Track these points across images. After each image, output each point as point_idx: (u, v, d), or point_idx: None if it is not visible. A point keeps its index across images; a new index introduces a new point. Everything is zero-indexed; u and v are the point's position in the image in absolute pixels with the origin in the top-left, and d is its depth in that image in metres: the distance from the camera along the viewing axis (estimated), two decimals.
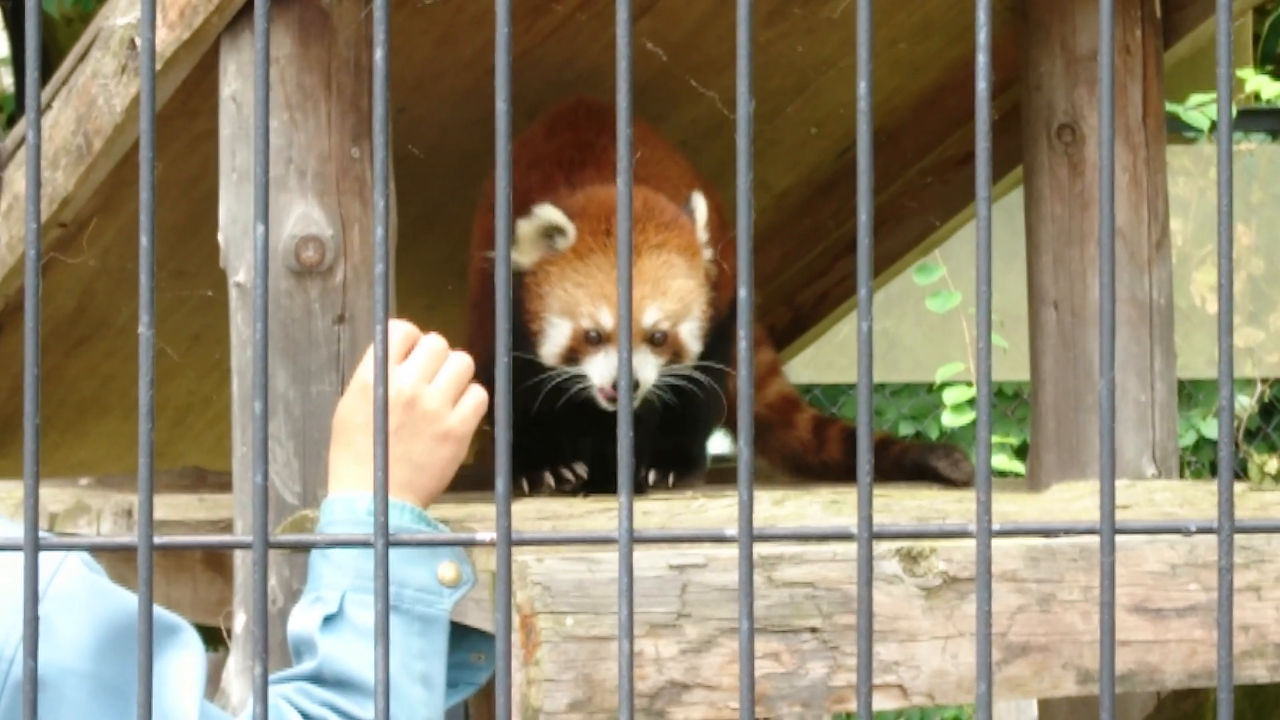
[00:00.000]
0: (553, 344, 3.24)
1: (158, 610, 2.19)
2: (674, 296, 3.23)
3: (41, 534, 1.51)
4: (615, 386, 3.14)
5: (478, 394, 2.62)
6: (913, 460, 3.71)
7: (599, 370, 3.18)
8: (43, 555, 1.49)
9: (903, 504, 3.07)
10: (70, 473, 4.30)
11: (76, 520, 3.68)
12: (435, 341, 2.62)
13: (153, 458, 1.49)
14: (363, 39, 3.16)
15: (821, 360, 7.75)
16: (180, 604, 3.62)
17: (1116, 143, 3.59)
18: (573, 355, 3.21)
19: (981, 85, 1.46)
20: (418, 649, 2.46)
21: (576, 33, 3.64)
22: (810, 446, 3.95)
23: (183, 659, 2.20)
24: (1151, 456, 3.57)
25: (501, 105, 1.48)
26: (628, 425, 1.45)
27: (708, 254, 3.30)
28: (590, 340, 3.19)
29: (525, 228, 3.27)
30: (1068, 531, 1.43)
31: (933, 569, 2.66)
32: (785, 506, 2.94)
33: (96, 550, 1.85)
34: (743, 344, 1.47)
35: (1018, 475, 7.35)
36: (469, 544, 1.50)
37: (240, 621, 3.12)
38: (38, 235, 1.49)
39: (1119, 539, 2.80)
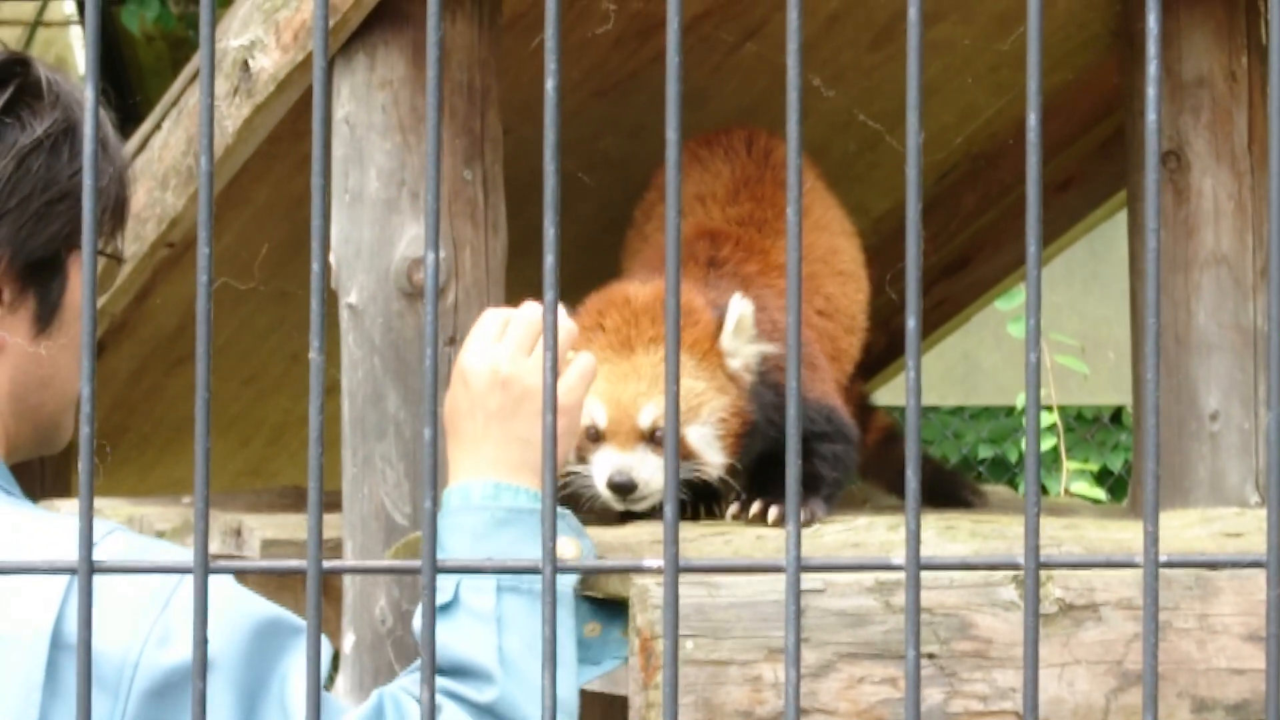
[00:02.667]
0: None
1: (284, 611, 2.22)
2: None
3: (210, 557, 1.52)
4: (610, 485, 3.06)
5: (584, 361, 2.54)
6: (933, 482, 3.78)
7: (599, 468, 3.06)
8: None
9: (1014, 530, 3.06)
10: (168, 490, 4.33)
11: (184, 538, 3.70)
12: (529, 312, 2.53)
13: (322, 481, 1.51)
14: (475, 62, 3.18)
15: (898, 383, 7.77)
16: None
17: (1222, 169, 3.58)
18: (580, 454, 3.09)
19: (1151, 117, 1.46)
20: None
21: (683, 56, 3.64)
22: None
23: (304, 659, 2.22)
24: (1255, 484, 3.56)
25: (672, 135, 1.48)
26: (796, 454, 1.45)
27: (736, 362, 3.14)
28: (591, 438, 3.07)
29: None
30: (1235, 564, 1.43)
31: (1049, 596, 2.66)
32: (899, 532, 2.94)
33: (264, 574, 1.86)
34: (910, 374, 1.47)
35: (1097, 501, 7.33)
36: (635, 570, 1.50)
37: (350, 642, 3.14)
38: (209, 260, 1.51)
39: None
